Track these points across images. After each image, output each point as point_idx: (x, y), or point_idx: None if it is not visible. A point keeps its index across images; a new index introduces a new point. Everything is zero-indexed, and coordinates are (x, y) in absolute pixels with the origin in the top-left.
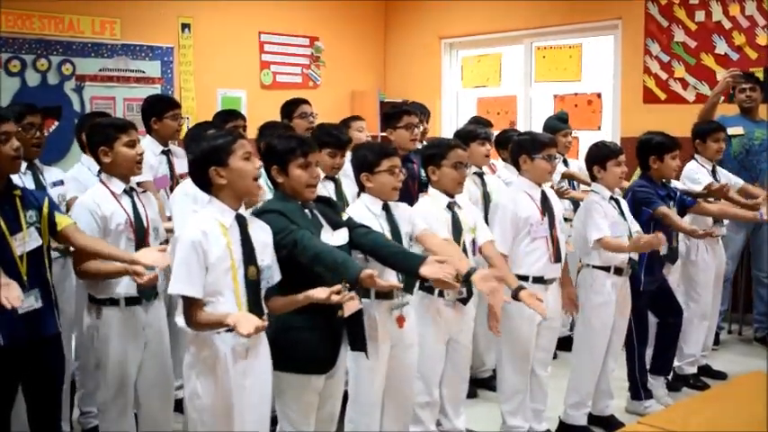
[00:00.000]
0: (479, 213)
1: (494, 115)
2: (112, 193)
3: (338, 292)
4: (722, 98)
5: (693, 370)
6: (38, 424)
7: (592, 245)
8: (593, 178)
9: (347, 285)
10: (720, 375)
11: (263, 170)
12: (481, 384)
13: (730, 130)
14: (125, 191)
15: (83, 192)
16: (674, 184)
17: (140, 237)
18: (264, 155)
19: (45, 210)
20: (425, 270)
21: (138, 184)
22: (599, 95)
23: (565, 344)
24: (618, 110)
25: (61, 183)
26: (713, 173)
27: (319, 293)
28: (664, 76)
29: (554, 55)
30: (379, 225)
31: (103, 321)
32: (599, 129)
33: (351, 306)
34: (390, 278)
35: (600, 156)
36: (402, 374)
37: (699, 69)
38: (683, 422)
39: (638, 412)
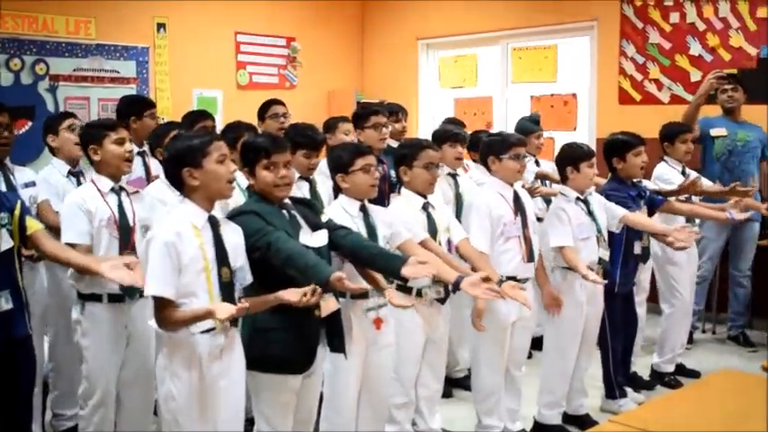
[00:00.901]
0: (452, 213)
1: (470, 116)
2: (99, 190)
3: (312, 294)
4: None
5: (671, 368)
6: (8, 427)
7: (552, 250)
8: (565, 179)
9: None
10: (694, 374)
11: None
12: (456, 384)
13: (713, 132)
14: (113, 189)
15: (54, 194)
16: (646, 184)
17: (125, 235)
18: (240, 156)
19: (17, 212)
20: (407, 271)
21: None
22: (575, 96)
23: (539, 343)
24: (593, 111)
25: (33, 184)
26: (683, 174)
27: (290, 296)
28: (639, 77)
29: (530, 56)
30: (356, 226)
31: (86, 317)
32: (575, 129)
33: (328, 306)
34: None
35: (572, 157)
36: (378, 375)
37: (673, 70)
38: (655, 420)
39: (613, 411)
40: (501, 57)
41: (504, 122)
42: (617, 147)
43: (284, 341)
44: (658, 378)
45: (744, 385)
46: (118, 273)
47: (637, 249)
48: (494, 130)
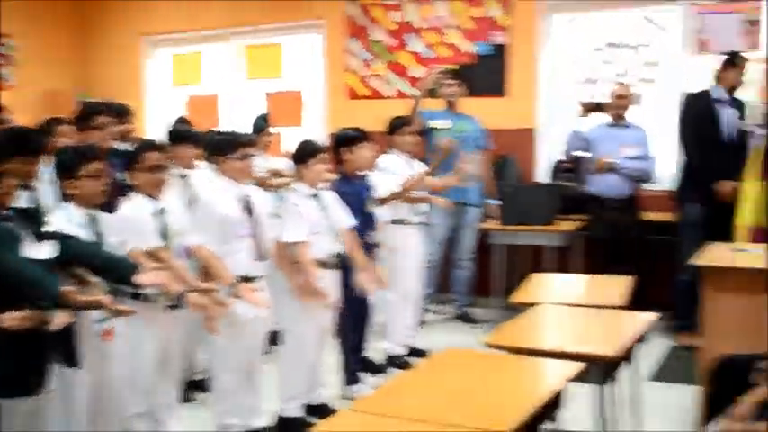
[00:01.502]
0: (186, 216)
1: (203, 114)
2: None
3: (34, 317)
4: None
5: (402, 351)
6: None
7: (288, 245)
8: (298, 174)
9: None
10: (424, 354)
11: None
12: (195, 387)
13: (437, 124)
14: None
15: None
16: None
17: None
18: None
19: None
20: (142, 278)
21: None
22: (304, 93)
23: (276, 337)
24: (323, 107)
25: None
26: (409, 165)
27: (10, 321)
28: (365, 73)
29: (260, 53)
30: (84, 234)
31: None
32: (304, 125)
33: (60, 320)
34: None
35: (304, 154)
36: (111, 387)
37: (397, 67)
38: (390, 403)
39: (351, 397)
40: (231, 54)
41: (236, 120)
42: (343, 142)
43: (8, 363)
44: (391, 361)
45: (467, 361)
46: None
47: (369, 240)
48: (226, 129)
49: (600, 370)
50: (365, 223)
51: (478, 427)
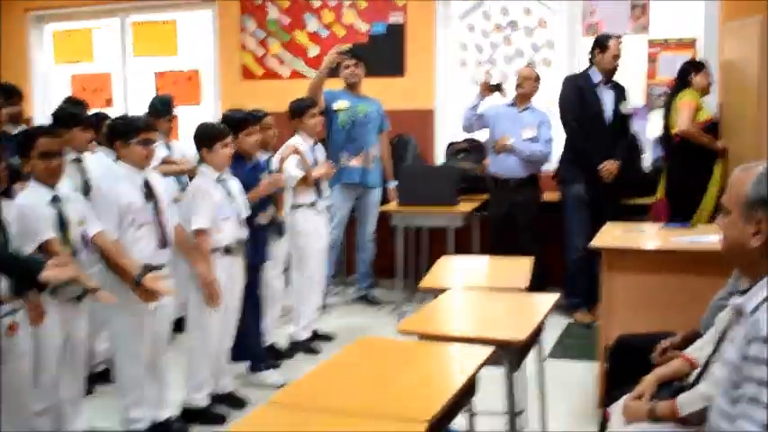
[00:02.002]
0: (86, 203)
1: (89, 93)
2: None
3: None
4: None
5: (307, 335)
6: None
7: (192, 232)
8: (202, 159)
9: None
10: (329, 338)
11: None
12: (98, 379)
13: (336, 105)
14: None
15: None
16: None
17: None
18: None
19: None
20: (47, 275)
21: None
22: (198, 71)
23: (181, 325)
24: (218, 86)
25: None
26: (314, 148)
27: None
28: (260, 52)
29: (150, 30)
30: None
31: None
32: (199, 104)
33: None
34: None
35: (207, 137)
36: (15, 385)
37: (293, 46)
38: (308, 395)
39: (258, 383)
40: (119, 31)
41: (126, 100)
42: (231, 125)
43: None
44: (297, 346)
45: (382, 349)
46: None
47: (262, 221)
48: (115, 108)
49: (511, 354)
50: (258, 207)
51: (402, 415)
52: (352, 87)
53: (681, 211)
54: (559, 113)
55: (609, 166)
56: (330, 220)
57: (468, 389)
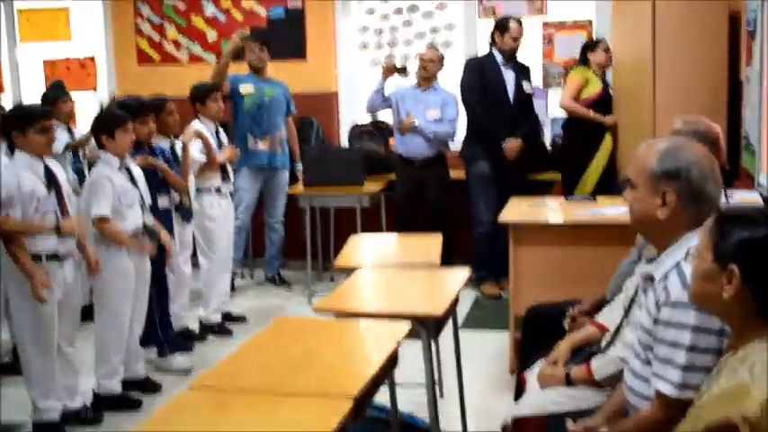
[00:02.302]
0: None
1: None
2: None
3: None
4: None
5: (218, 318)
6: None
7: (93, 221)
8: (102, 146)
9: None
10: (241, 319)
11: None
12: (4, 370)
13: (242, 89)
14: None
15: None
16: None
17: None
18: None
19: None
20: None
21: None
22: (93, 58)
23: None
24: (113, 72)
25: None
26: (216, 133)
27: None
28: (157, 37)
29: (41, 17)
30: None
31: None
32: (95, 90)
33: None
34: None
35: (107, 124)
36: None
37: (190, 31)
38: (232, 377)
39: (167, 368)
40: (4, 18)
41: (17, 88)
42: (129, 112)
43: None
44: (208, 329)
45: (301, 328)
46: None
47: (162, 204)
48: (9, 96)
49: (428, 327)
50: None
51: (328, 392)
52: (257, 71)
53: (569, 181)
54: (461, 96)
55: (512, 144)
56: (238, 203)
57: (391, 363)
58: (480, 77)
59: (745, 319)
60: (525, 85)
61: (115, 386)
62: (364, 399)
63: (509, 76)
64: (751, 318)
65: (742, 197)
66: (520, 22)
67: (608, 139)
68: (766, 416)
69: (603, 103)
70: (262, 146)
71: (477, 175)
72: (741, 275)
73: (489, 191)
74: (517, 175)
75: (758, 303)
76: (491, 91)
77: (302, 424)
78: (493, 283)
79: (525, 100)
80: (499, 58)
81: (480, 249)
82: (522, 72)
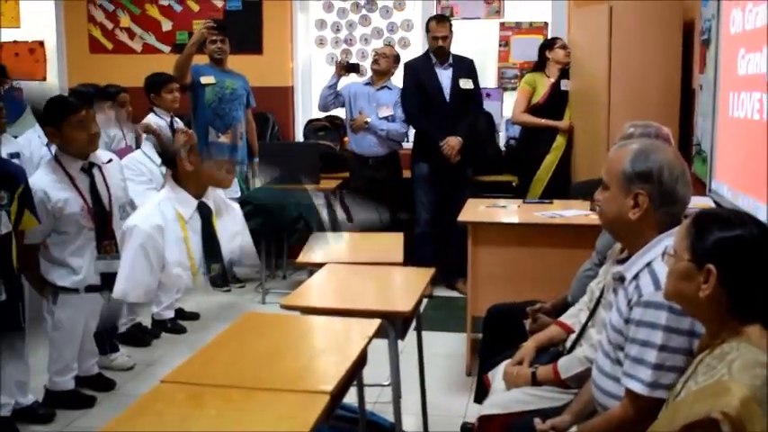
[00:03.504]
0: None
1: None
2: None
3: None
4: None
5: (171, 314)
6: None
7: None
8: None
9: None
10: (194, 316)
11: None
12: None
13: (203, 80)
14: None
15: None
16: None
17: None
18: None
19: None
20: None
21: None
22: (42, 42)
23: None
24: (64, 59)
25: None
26: (171, 124)
27: None
28: (110, 25)
29: None
30: None
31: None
32: (44, 79)
33: None
34: None
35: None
36: None
37: (144, 19)
38: (204, 373)
39: (108, 366)
40: None
41: None
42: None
43: None
44: (161, 326)
45: (269, 325)
46: None
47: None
48: None
49: (396, 325)
50: None
51: (304, 388)
52: (217, 63)
53: (525, 183)
54: (401, 98)
55: (451, 142)
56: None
57: (361, 361)
58: (415, 80)
59: (720, 319)
60: (462, 82)
61: (68, 383)
62: (340, 395)
63: (444, 75)
64: (726, 317)
65: (696, 203)
66: (441, 20)
67: (559, 139)
68: (746, 412)
69: (556, 103)
70: (223, 140)
71: (418, 176)
72: (718, 275)
73: (429, 192)
74: (460, 174)
75: (734, 303)
76: (427, 92)
77: (279, 420)
78: (449, 284)
79: (464, 97)
80: (432, 58)
81: (418, 249)
82: (461, 69)
